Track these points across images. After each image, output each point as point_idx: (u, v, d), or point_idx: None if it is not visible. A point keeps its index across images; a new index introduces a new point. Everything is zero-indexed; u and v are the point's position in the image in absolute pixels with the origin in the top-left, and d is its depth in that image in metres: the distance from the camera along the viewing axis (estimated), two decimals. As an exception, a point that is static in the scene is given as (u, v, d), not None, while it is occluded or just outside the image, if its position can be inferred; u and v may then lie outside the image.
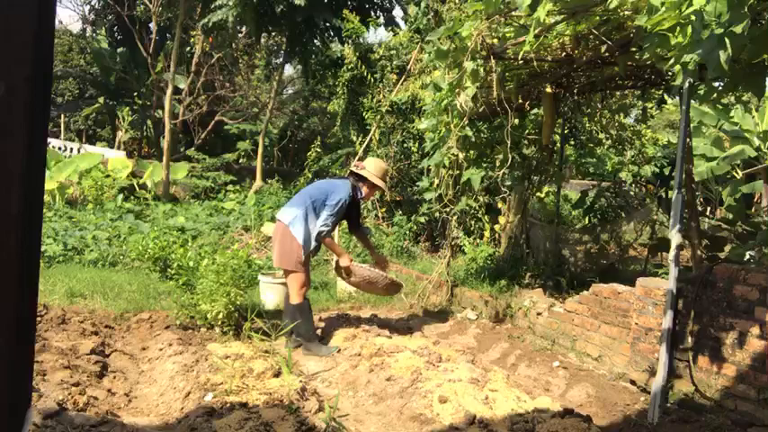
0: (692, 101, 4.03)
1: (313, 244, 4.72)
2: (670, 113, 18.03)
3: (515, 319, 5.77)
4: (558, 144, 7.17)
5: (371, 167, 4.91)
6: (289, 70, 21.34)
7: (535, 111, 6.97)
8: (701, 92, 3.55)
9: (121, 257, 7.31)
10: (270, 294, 5.88)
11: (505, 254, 7.07)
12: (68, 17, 49.59)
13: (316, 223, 4.68)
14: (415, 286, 6.70)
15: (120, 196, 11.40)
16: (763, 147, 9.44)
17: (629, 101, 7.96)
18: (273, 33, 13.93)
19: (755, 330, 3.54)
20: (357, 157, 9.51)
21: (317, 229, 4.66)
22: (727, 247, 6.37)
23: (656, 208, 8.45)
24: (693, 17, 2.65)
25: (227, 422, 2.94)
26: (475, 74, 4.76)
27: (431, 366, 4.04)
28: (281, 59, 15.86)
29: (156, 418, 3.30)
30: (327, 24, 12.41)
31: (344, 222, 5.39)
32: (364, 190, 4.91)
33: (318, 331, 5.14)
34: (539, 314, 5.45)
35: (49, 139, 14.80)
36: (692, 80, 3.55)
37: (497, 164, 6.04)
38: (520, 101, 5.78)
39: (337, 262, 5.08)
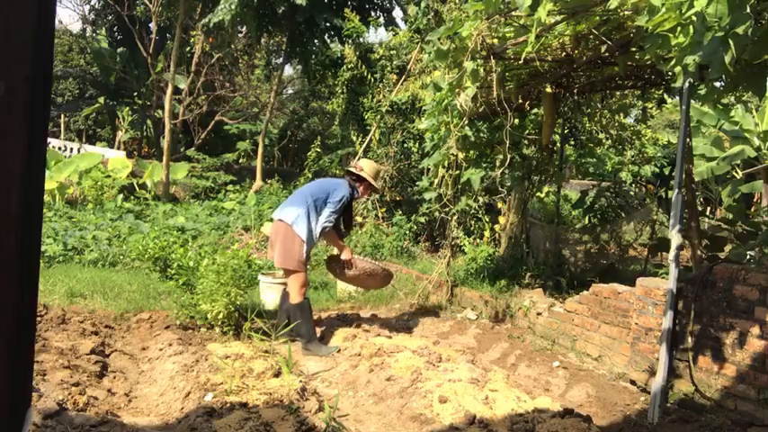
0: (692, 101, 4.03)
1: (315, 241, 4.84)
2: (670, 113, 18.03)
3: (515, 319, 5.77)
4: (558, 144, 7.17)
5: (368, 168, 5.05)
6: (289, 70, 21.34)
7: (535, 111, 6.97)
8: (702, 92, 3.55)
9: (121, 257, 7.30)
10: (270, 294, 5.88)
11: (505, 254, 7.07)
12: (68, 17, 49.62)
13: (318, 220, 4.79)
14: (415, 286, 6.70)
15: (120, 196, 11.40)
16: (763, 147, 9.44)
17: (629, 101, 7.96)
18: (274, 33, 13.92)
19: (755, 330, 3.54)
20: (357, 158, 9.51)
21: (321, 225, 4.77)
22: (727, 247, 6.37)
23: (656, 208, 8.45)
24: (694, 18, 2.65)
25: (227, 422, 2.94)
26: (475, 74, 4.76)
27: (431, 366, 4.04)
28: (281, 59, 15.85)
29: (156, 418, 3.30)
30: (328, 24, 12.41)
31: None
32: (360, 190, 5.06)
33: (318, 331, 5.15)
34: (539, 314, 5.45)
35: (49, 139, 14.80)
36: (692, 80, 3.55)
37: (497, 164, 6.04)
38: (520, 101, 5.78)
39: (329, 258, 5.23)
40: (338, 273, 5.19)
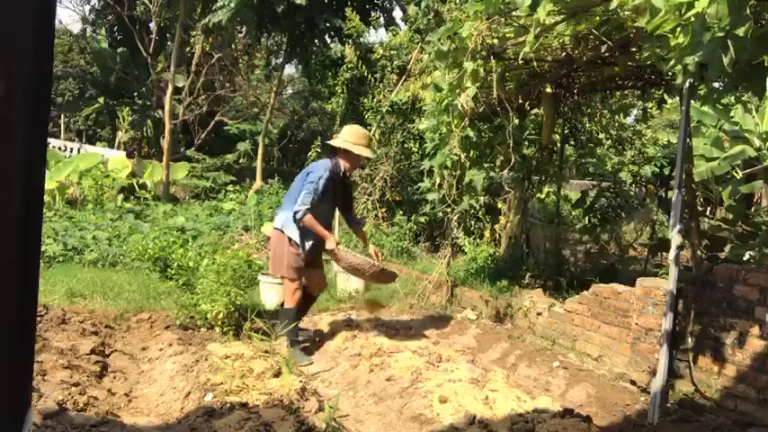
0: (692, 101, 4.03)
1: (308, 244, 4.54)
2: (670, 113, 18.02)
3: (515, 320, 5.77)
4: (558, 144, 7.17)
5: (347, 135, 4.53)
6: (289, 70, 21.33)
7: (535, 111, 6.96)
8: (702, 92, 3.55)
9: (121, 257, 7.30)
10: (270, 294, 5.88)
11: (505, 254, 7.07)
12: (68, 17, 49.64)
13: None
14: (415, 286, 6.69)
15: (120, 196, 11.39)
16: (763, 147, 9.43)
17: (629, 101, 7.95)
18: (273, 33, 13.92)
19: (755, 330, 3.54)
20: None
21: (293, 209, 4.36)
22: (727, 247, 6.36)
23: (656, 208, 8.45)
24: (694, 19, 2.64)
25: (227, 422, 2.94)
26: (475, 74, 4.75)
27: (431, 366, 4.03)
28: (281, 59, 15.85)
29: (156, 418, 3.30)
30: (328, 24, 12.41)
31: (345, 223, 5.41)
32: (344, 163, 4.58)
33: (323, 331, 5.19)
34: (539, 314, 5.45)
35: (49, 139, 14.80)
36: (692, 81, 3.55)
37: (498, 164, 6.04)
38: (520, 101, 5.78)
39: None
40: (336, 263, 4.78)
